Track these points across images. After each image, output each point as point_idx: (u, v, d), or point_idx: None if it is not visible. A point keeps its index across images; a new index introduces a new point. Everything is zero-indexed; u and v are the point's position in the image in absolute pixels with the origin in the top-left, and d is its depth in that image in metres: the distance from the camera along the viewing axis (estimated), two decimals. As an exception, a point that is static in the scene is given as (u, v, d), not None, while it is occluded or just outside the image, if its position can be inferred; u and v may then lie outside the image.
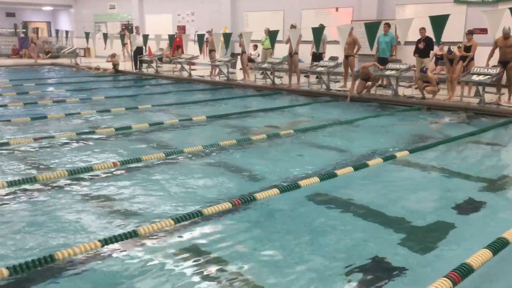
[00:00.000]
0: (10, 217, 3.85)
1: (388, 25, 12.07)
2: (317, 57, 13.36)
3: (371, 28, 10.75)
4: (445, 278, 2.69)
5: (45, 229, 3.62)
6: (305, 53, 14.49)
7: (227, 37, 14.85)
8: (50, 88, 13.02)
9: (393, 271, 3.11)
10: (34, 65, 21.21)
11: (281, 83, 13.45)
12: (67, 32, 23.28)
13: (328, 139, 7.15)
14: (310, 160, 5.97)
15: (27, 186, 4.53)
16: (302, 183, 4.55)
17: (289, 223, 3.89)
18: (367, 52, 12.67)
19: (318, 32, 11.92)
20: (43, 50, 25.08)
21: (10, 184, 4.49)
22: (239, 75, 15.82)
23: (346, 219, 4.01)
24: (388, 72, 10.87)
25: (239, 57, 16.15)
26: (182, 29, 21.30)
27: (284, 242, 3.49)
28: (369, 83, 11.14)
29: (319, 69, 12.28)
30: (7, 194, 4.35)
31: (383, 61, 11.78)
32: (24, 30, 26.32)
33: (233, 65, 17.01)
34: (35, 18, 29.35)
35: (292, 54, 12.89)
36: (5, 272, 2.75)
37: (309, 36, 12.26)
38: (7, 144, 6.15)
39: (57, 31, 26.62)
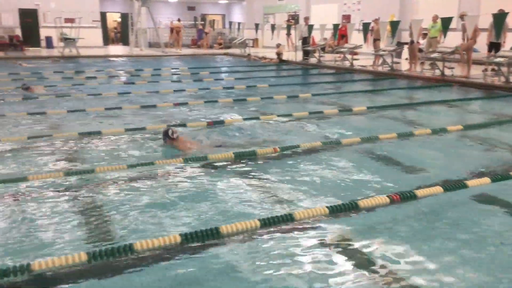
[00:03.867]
0: (181, 191, 4.31)
1: None
2: (494, 46, 12.03)
3: None
4: None
5: (209, 205, 3.97)
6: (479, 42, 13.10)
7: (394, 25, 14.28)
8: (221, 76, 14.12)
9: None
10: (205, 54, 23.25)
11: (452, 75, 12.45)
12: (239, 23, 24.90)
13: (503, 137, 6.41)
14: (479, 158, 5.45)
15: (198, 164, 5.03)
16: (470, 183, 4.18)
17: (451, 226, 3.61)
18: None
19: (499, 18, 10.70)
20: (217, 41, 27.27)
21: (185, 160, 5.03)
22: (404, 65, 15.10)
23: (520, 228, 3.58)
24: None
25: (405, 46, 15.40)
26: (347, 18, 21.09)
27: (442, 246, 3.26)
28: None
29: (497, 59, 11.03)
30: (181, 169, 4.88)
31: None
32: (202, 23, 28.96)
33: (398, 55, 16.28)
34: (212, 11, 31.99)
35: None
36: (178, 238, 3.11)
37: (485, 24, 11.09)
38: (184, 125, 6.88)
39: (230, 23, 28.69)
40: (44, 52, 22.13)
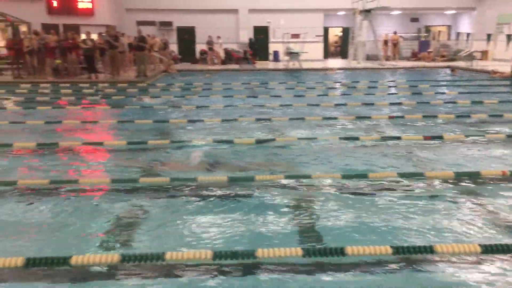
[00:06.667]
0: (398, 204, 4.25)
1: None
2: None
3: None
4: None
5: (423, 221, 3.82)
6: None
7: None
8: (443, 90, 13.29)
9: None
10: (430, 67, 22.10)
11: None
12: (467, 34, 23.05)
13: None
14: None
15: (414, 178, 4.88)
16: None
17: None
18: None
19: None
20: (439, 54, 25.74)
21: (399, 175, 4.93)
22: None
23: None
24: None
25: None
26: None
27: None
28: None
29: None
30: (395, 183, 4.79)
31: None
32: (426, 34, 27.74)
33: None
34: (437, 22, 30.32)
35: None
36: (390, 250, 3.09)
37: None
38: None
39: (457, 34, 26.77)
40: (270, 65, 24.35)
